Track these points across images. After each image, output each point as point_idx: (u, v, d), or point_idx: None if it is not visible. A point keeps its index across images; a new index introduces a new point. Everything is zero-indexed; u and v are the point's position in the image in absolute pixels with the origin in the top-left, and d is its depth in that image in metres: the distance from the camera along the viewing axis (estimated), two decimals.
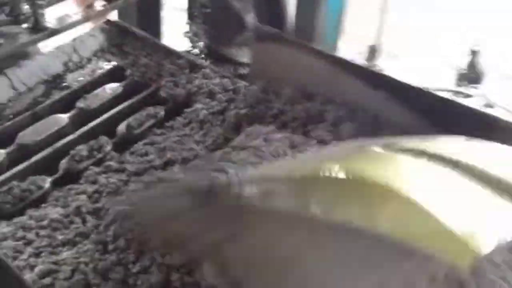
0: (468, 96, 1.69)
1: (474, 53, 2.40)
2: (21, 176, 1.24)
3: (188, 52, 1.81)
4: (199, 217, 0.83)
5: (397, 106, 1.25)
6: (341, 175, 0.76)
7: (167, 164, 1.24)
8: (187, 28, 2.07)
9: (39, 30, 1.37)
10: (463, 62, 2.39)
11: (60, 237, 1.08)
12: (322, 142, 1.21)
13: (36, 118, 1.41)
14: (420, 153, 0.81)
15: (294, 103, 1.34)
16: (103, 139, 1.33)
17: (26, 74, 1.47)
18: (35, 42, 1.40)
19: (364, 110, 1.29)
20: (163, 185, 0.96)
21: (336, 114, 1.28)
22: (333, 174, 0.76)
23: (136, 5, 1.94)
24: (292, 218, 0.77)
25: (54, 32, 1.40)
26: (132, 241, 0.99)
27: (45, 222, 1.11)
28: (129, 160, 1.27)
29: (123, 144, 1.34)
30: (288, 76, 1.39)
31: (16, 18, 1.42)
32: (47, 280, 0.98)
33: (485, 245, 0.70)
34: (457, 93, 1.70)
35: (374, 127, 1.26)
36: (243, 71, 1.72)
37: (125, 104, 1.47)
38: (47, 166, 1.28)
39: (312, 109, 1.31)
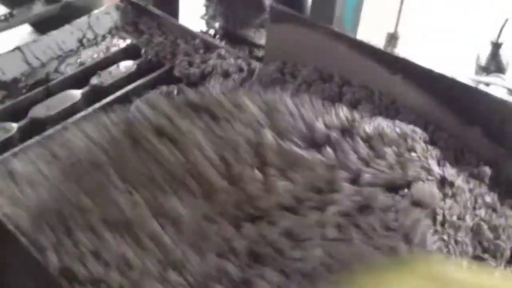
0: (488, 84, 1.65)
1: (495, 45, 2.34)
2: None
3: (204, 32, 1.78)
4: None
5: (415, 91, 1.22)
6: None
7: None
8: (203, 10, 2.05)
9: (53, 1, 1.35)
10: (484, 54, 2.34)
11: None
12: None
13: (49, 93, 1.40)
14: None
15: (310, 85, 1.32)
16: None
17: (40, 49, 1.46)
18: (48, 13, 1.38)
19: (381, 93, 1.26)
20: None
21: (353, 96, 1.26)
22: None
23: None
24: None
25: (68, 5, 1.38)
26: None
27: None
28: None
29: None
30: (305, 57, 1.37)
31: None
32: None
33: None
34: (478, 82, 1.66)
35: (391, 110, 1.24)
36: (259, 53, 1.69)
37: (139, 82, 1.45)
38: None
39: (328, 91, 1.29)
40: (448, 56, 2.47)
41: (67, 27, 1.52)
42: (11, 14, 1.38)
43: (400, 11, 2.22)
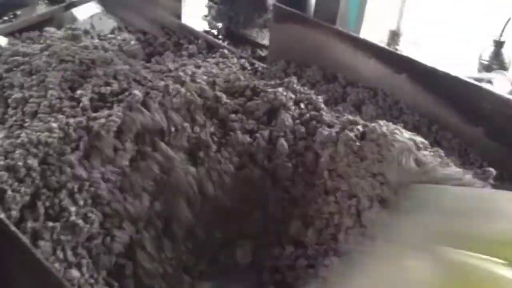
0: (490, 81, 1.64)
1: (498, 43, 2.33)
2: None
3: (207, 32, 1.78)
4: None
5: (419, 90, 1.22)
6: None
7: None
8: (206, 10, 2.04)
9: (57, 1, 1.35)
10: (486, 53, 2.33)
11: None
12: None
13: None
14: None
15: (313, 85, 1.32)
16: None
17: None
18: (52, 13, 1.38)
19: (385, 93, 1.26)
20: None
21: (357, 97, 1.26)
22: None
23: None
24: None
25: (71, 5, 1.38)
26: None
27: None
28: None
29: None
30: (308, 57, 1.37)
31: None
32: None
33: None
34: (480, 79, 1.66)
35: (394, 111, 1.24)
36: (262, 53, 1.69)
37: None
38: None
39: (333, 91, 1.29)
40: (450, 55, 2.46)
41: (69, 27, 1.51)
42: (15, 15, 1.38)
43: (402, 8, 2.21)
